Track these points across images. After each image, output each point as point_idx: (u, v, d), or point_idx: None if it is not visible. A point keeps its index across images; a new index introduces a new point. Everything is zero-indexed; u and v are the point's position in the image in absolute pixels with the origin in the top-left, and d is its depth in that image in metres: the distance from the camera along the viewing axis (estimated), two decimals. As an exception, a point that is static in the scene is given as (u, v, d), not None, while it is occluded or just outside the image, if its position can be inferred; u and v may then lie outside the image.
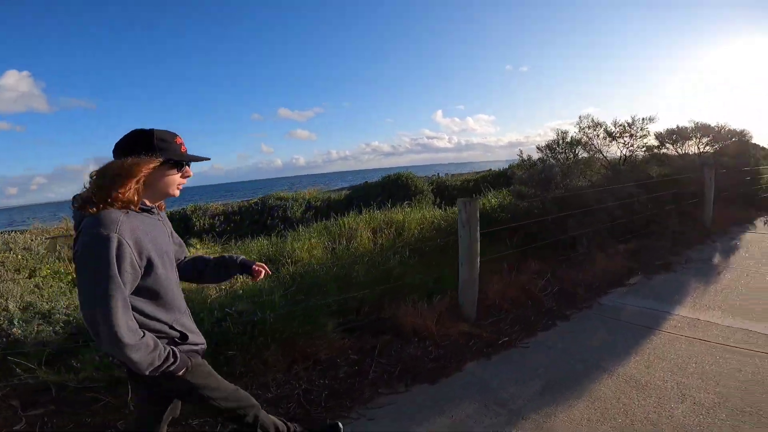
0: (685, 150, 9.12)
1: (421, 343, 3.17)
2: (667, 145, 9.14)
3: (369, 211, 6.45)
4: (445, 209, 6.58)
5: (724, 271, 4.48)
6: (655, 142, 9.36)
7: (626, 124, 6.91)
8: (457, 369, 2.82)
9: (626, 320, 3.45)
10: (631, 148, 6.95)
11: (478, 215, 3.58)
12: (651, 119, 6.86)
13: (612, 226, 5.79)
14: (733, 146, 9.07)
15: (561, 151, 6.28)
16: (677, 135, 9.11)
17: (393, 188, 9.54)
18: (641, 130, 6.87)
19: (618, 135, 6.88)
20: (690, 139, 9.01)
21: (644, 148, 7.05)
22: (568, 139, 6.41)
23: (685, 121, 9.62)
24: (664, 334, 3.11)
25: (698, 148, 8.92)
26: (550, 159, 6.29)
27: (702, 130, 8.99)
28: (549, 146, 6.61)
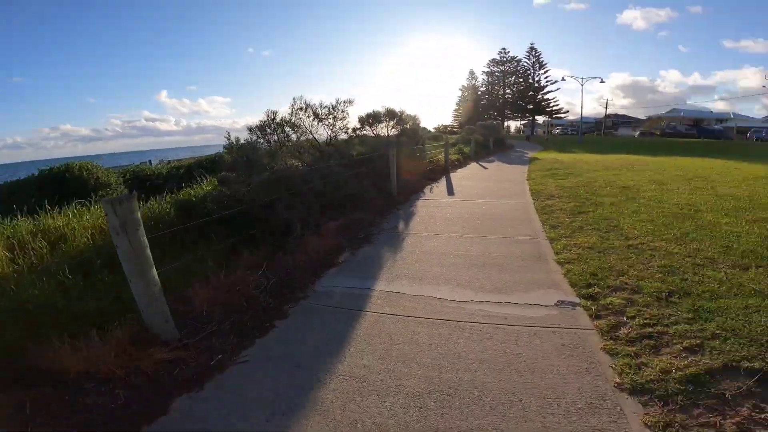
0: (379, 131, 10.84)
1: (102, 388, 2.35)
2: (366, 127, 10.60)
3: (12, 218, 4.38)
4: (140, 203, 5.18)
5: (405, 237, 5.32)
6: (358, 124, 10.70)
7: (330, 107, 7.38)
8: (162, 412, 2.16)
9: (338, 305, 3.34)
10: (335, 129, 7.50)
11: (139, 216, 2.68)
12: (350, 102, 7.59)
13: (322, 205, 6.05)
14: (410, 129, 11.47)
15: (271, 132, 6.07)
16: (373, 118, 10.69)
17: (57, 185, 6.96)
18: (342, 112, 7.49)
19: (323, 117, 7.27)
20: (381, 121, 10.76)
21: (345, 130, 7.75)
22: (278, 120, 6.27)
23: (379, 107, 11.52)
24: (370, 315, 3.13)
25: (388, 130, 10.78)
26: (261, 141, 5.99)
27: (390, 114, 10.88)
28: (260, 127, 6.27)
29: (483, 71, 64.69)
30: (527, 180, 9.94)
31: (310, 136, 7.22)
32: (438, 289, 3.57)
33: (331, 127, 7.33)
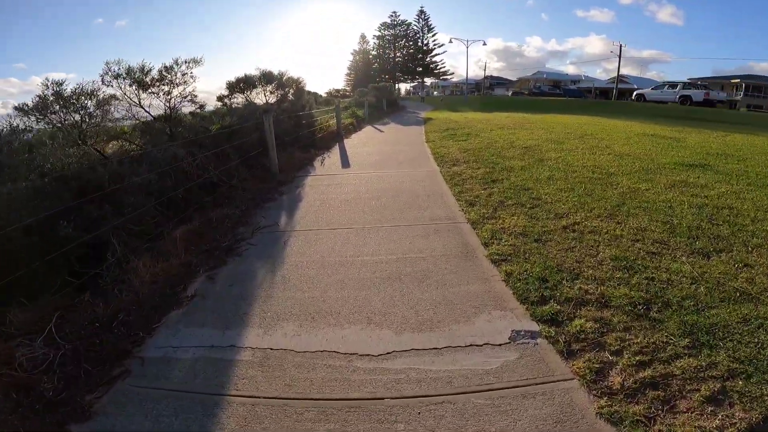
0: (254, 99, 8.83)
1: None
2: (237, 94, 8.51)
3: None
4: None
5: (290, 238, 3.88)
6: (226, 92, 8.56)
7: (163, 70, 5.20)
8: None
9: (182, 387, 1.93)
10: (172, 99, 5.37)
11: None
12: (196, 62, 5.48)
13: (162, 204, 4.23)
14: (294, 93, 9.64)
15: (56, 111, 3.84)
16: (245, 83, 8.60)
17: None
18: (183, 76, 5.37)
19: (151, 84, 5.08)
20: (257, 86, 8.73)
21: (191, 98, 5.62)
22: (67, 93, 4.01)
23: (252, 70, 9.31)
24: (235, 405, 1.79)
25: (265, 96, 8.82)
26: (43, 125, 3.77)
27: (266, 78, 8.88)
28: (39, 106, 3.96)
29: (374, 35, 62.95)
30: (427, 142, 9.10)
31: (143, 112, 5.07)
32: (342, 333, 2.31)
33: (167, 96, 5.22)
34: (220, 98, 8.34)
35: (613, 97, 42.19)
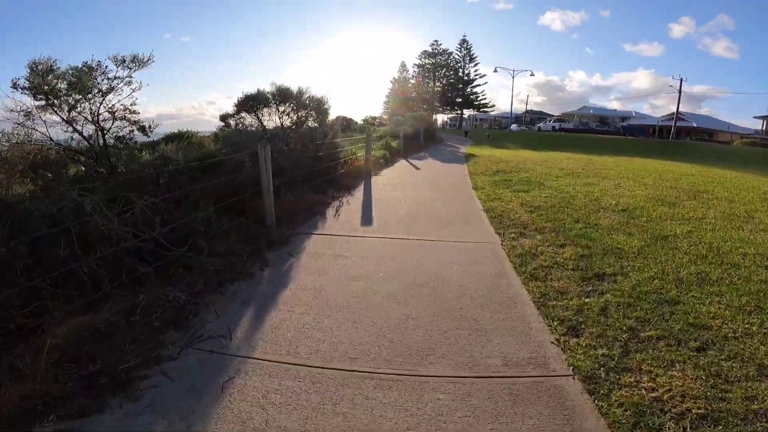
0: (266, 120, 7.27)
1: None
2: (244, 114, 6.98)
3: None
4: None
5: (235, 379, 2.03)
6: (233, 110, 7.05)
7: (75, 72, 3.43)
8: None
9: None
10: (99, 117, 3.60)
11: None
12: (140, 62, 3.73)
13: (59, 281, 2.51)
14: (315, 117, 8.05)
15: None
16: (254, 101, 7.08)
17: None
18: (112, 81, 3.63)
19: (50, 93, 3.33)
20: (269, 105, 7.19)
21: (122, 116, 3.80)
22: None
23: (267, 85, 7.83)
24: None
25: (279, 118, 7.24)
26: None
27: (282, 94, 7.34)
28: None
29: (414, 63, 62.76)
30: (475, 189, 7.15)
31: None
32: None
33: (71, 112, 3.46)
34: (223, 118, 6.82)
35: (671, 136, 38.85)
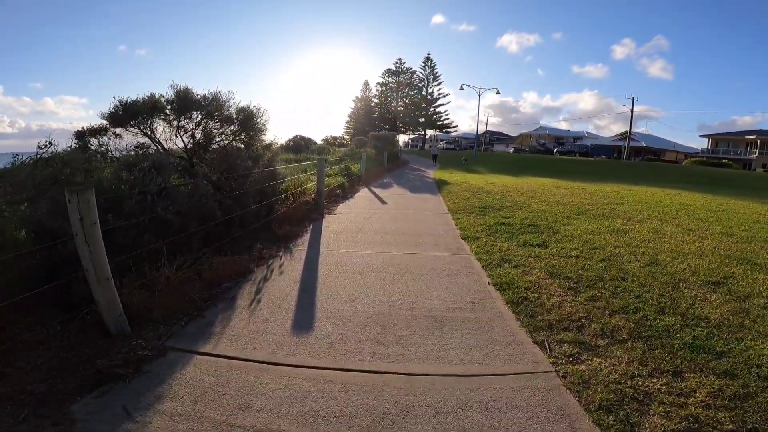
0: (164, 138, 4.86)
1: None
2: (118, 129, 4.55)
3: None
4: None
5: None
6: (104, 123, 4.64)
7: None
8: None
9: None
10: None
11: None
12: None
13: None
14: (244, 134, 5.71)
15: None
16: (134, 113, 4.67)
17: None
18: None
19: None
20: (167, 116, 4.80)
21: None
22: None
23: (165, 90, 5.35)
24: None
25: (177, 134, 4.84)
26: None
27: (183, 101, 4.96)
28: None
29: (377, 82, 61.84)
30: (465, 240, 5.10)
31: None
32: None
33: None
34: (81, 135, 4.35)
35: (624, 156, 39.70)
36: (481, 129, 64.75)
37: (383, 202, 8.44)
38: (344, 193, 9.00)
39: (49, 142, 3.84)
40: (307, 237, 5.16)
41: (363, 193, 9.57)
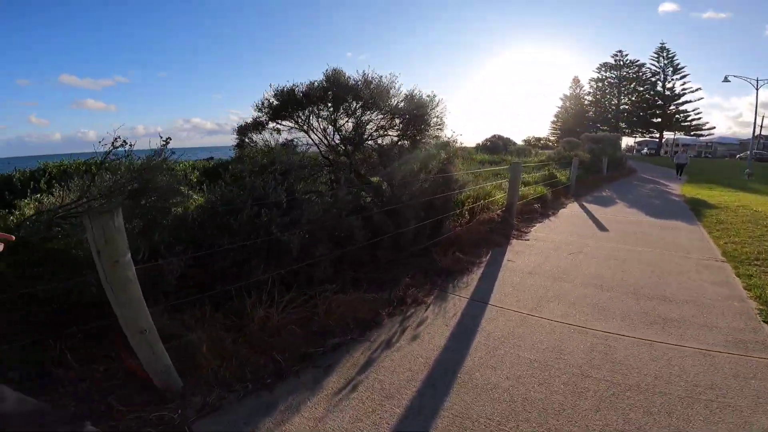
0: (312, 133, 4.13)
1: None
2: (253, 134, 4.00)
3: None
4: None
5: None
6: (261, 116, 4.19)
7: None
8: None
9: None
10: None
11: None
12: None
13: None
14: (410, 131, 4.53)
15: None
16: (297, 102, 4.02)
17: None
18: None
19: None
20: (318, 107, 4.02)
21: None
22: None
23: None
24: None
25: (335, 129, 3.99)
26: None
27: (340, 87, 4.08)
28: None
29: (591, 78, 53.26)
30: (766, 320, 2.42)
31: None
32: None
33: None
34: (243, 130, 3.95)
35: None
36: (743, 132, 46.81)
37: (601, 227, 5.88)
38: (544, 208, 6.83)
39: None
40: (476, 275, 3.54)
41: (571, 210, 7.12)
